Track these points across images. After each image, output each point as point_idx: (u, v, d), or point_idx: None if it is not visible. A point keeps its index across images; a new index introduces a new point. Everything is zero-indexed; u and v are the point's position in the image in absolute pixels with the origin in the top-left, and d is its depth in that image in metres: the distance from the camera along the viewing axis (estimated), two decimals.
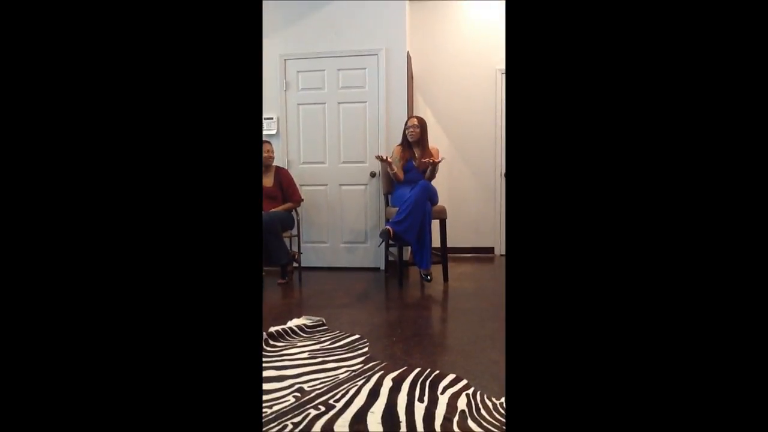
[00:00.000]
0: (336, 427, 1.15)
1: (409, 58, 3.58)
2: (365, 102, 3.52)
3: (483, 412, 1.22)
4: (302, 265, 3.51)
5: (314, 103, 3.58)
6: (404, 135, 3.11)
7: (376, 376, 1.47)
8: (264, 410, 1.25)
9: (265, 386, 1.41)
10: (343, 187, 3.60)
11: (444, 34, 4.13)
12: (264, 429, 1.14)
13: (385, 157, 2.90)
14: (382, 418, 1.19)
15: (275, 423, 1.17)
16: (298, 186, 3.35)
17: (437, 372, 1.49)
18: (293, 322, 2.04)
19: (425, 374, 1.48)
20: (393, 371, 1.50)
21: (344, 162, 3.58)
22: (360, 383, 1.41)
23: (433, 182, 3.03)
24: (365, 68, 3.50)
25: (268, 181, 3.16)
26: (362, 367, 1.56)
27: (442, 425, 1.15)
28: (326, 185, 3.61)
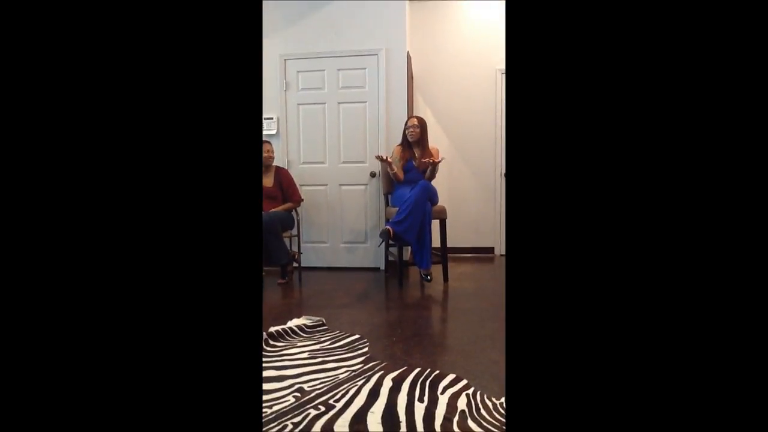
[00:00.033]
0: (336, 427, 1.15)
1: (409, 58, 3.58)
2: (365, 102, 3.52)
3: (483, 412, 1.22)
4: (302, 265, 3.51)
5: (314, 103, 3.58)
6: (404, 135, 3.11)
7: (376, 376, 1.47)
8: (264, 410, 1.25)
9: (265, 386, 1.41)
10: (343, 187, 3.60)
11: (444, 34, 4.13)
12: (264, 429, 1.14)
13: (385, 157, 2.90)
14: (382, 418, 1.19)
15: (275, 423, 1.17)
16: (298, 186, 3.35)
17: (437, 372, 1.49)
18: (293, 322, 2.04)
19: (425, 374, 1.48)
20: (393, 371, 1.50)
21: (344, 162, 3.58)
22: (360, 383, 1.41)
23: (433, 182, 3.03)
24: (365, 68, 3.50)
25: (268, 181, 3.16)
26: (362, 367, 1.56)
27: (442, 425, 1.15)
28: (326, 185, 3.62)
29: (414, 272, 3.36)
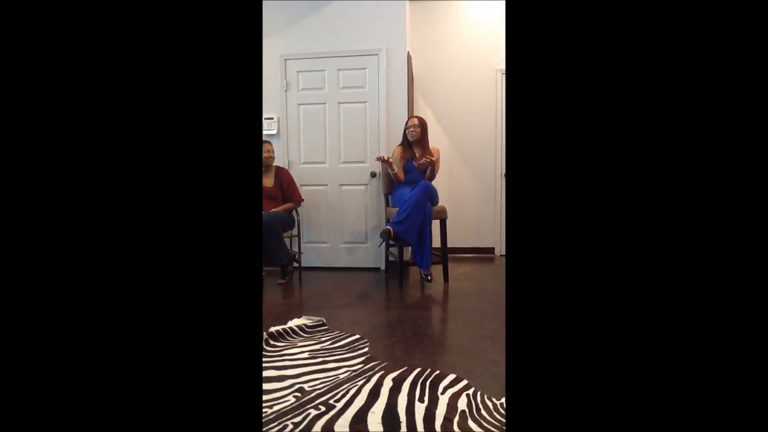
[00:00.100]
0: (336, 427, 1.15)
1: (409, 58, 3.59)
2: (365, 102, 3.52)
3: (483, 412, 1.22)
4: (302, 265, 3.51)
5: (314, 103, 3.58)
6: (405, 135, 3.11)
7: (377, 376, 1.47)
8: (264, 410, 1.25)
9: (266, 386, 1.41)
10: (344, 187, 3.60)
11: (444, 34, 4.13)
12: (264, 429, 1.14)
13: (385, 158, 2.90)
14: (383, 418, 1.19)
15: (275, 423, 1.17)
16: (298, 186, 3.35)
17: (437, 372, 1.49)
18: (293, 322, 2.04)
19: (425, 374, 1.48)
20: (393, 371, 1.50)
21: (344, 162, 3.58)
22: (360, 383, 1.41)
23: (434, 182, 3.03)
24: (365, 68, 3.50)
25: (268, 181, 3.16)
26: (362, 367, 1.56)
27: (442, 425, 1.15)
28: (326, 185, 3.62)
29: (414, 272, 3.36)
